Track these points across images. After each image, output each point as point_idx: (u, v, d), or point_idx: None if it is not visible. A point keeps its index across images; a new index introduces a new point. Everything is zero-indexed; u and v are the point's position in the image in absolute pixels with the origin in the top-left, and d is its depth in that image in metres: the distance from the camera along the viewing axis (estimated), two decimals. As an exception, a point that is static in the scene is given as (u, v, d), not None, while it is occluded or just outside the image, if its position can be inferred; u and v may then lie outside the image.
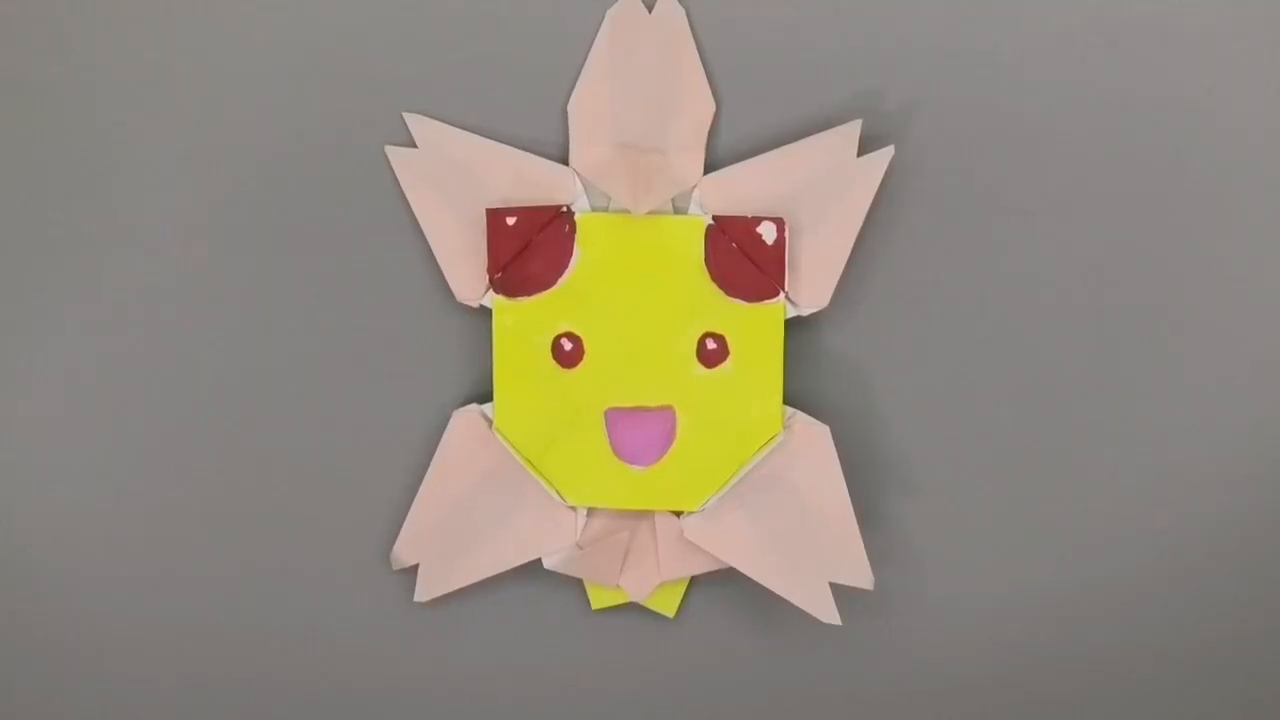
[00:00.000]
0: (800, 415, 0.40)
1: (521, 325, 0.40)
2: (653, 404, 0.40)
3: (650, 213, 0.39)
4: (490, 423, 0.40)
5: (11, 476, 0.43)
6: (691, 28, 0.38)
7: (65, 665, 0.45)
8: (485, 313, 0.40)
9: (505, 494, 0.41)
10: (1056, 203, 0.40)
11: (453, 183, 0.40)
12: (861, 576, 0.40)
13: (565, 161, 0.39)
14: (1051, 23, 0.39)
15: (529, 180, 0.39)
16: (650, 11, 0.38)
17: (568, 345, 0.40)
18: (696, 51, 0.38)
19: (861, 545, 0.40)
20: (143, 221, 0.42)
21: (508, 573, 0.41)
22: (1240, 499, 0.42)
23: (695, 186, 0.39)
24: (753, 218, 0.38)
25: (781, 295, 0.39)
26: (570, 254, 0.39)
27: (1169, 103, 0.39)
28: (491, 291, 0.39)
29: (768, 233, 0.38)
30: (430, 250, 0.40)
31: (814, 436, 0.40)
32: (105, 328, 0.42)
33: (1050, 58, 0.39)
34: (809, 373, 0.41)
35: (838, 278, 0.39)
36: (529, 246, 0.39)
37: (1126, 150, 0.39)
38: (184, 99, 0.41)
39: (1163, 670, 0.43)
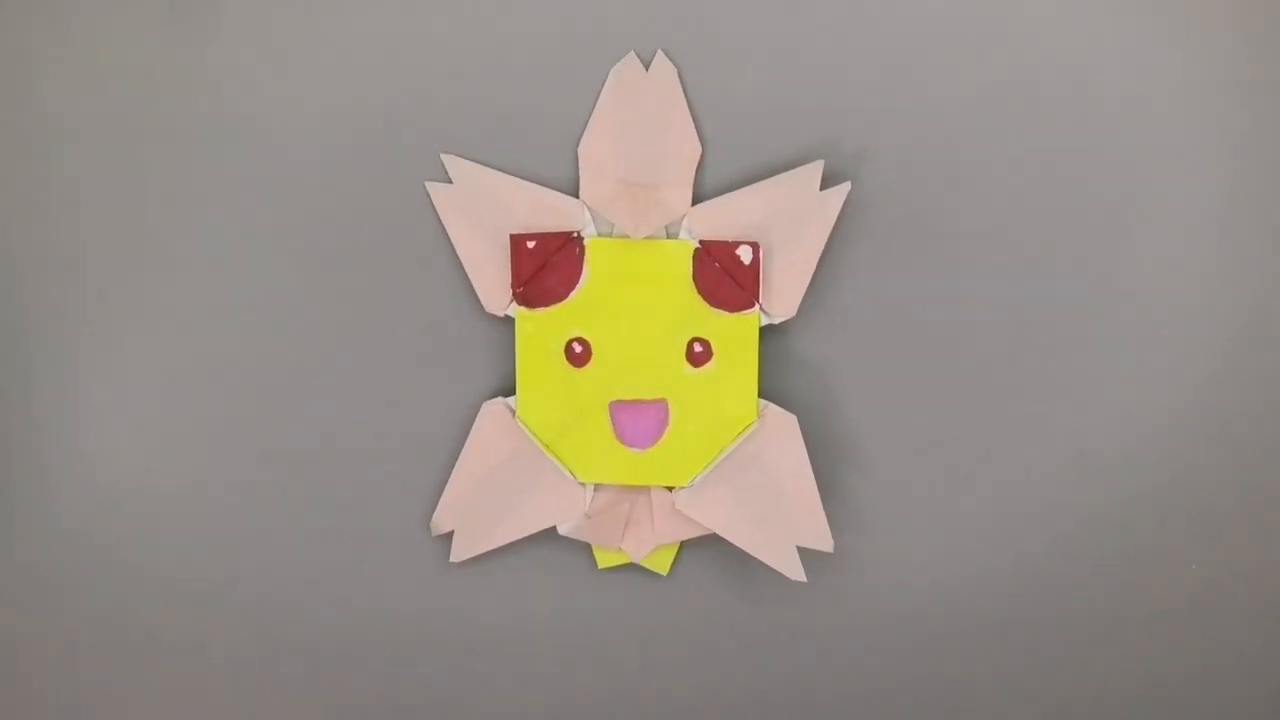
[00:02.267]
0: (772, 406, 0.42)
1: (539, 331, 0.42)
2: (649, 397, 0.42)
3: (647, 237, 0.41)
4: (513, 413, 0.43)
5: (119, 456, 0.46)
6: (682, 83, 0.41)
7: (160, 606, 0.46)
8: (509, 321, 0.42)
9: (526, 472, 0.43)
10: (983, 229, 0.43)
11: (482, 212, 0.42)
12: (823, 541, 0.43)
13: (576, 194, 0.42)
14: (978, 82, 0.42)
15: (546, 210, 0.42)
16: (647, 70, 0.41)
17: (578, 348, 0.42)
18: (686, 103, 0.41)
19: (823, 515, 0.43)
20: (236, 243, 0.44)
21: (527, 538, 0.44)
22: (1140, 476, 0.45)
23: (684, 216, 0.41)
24: (732, 242, 0.41)
25: (757, 306, 0.41)
26: (580, 272, 0.41)
27: (1075, 149, 0.42)
28: (514, 303, 0.42)
29: (745, 254, 0.41)
30: (463, 269, 0.42)
31: (784, 424, 0.42)
32: (199, 333, 0.45)
33: (978, 111, 0.42)
34: (779, 371, 0.43)
35: (804, 291, 0.41)
36: (546, 266, 0.41)
37: (1040, 187, 0.42)
38: (267, 146, 0.43)
39: (1074, 613, 0.46)
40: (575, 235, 0.41)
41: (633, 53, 0.41)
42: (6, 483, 0.46)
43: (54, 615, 0.46)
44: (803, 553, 0.43)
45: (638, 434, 0.42)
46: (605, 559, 0.45)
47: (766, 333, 0.42)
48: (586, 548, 0.45)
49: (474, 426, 0.43)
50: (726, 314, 0.41)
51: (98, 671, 0.47)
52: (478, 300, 0.42)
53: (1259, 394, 0.44)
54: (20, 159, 0.43)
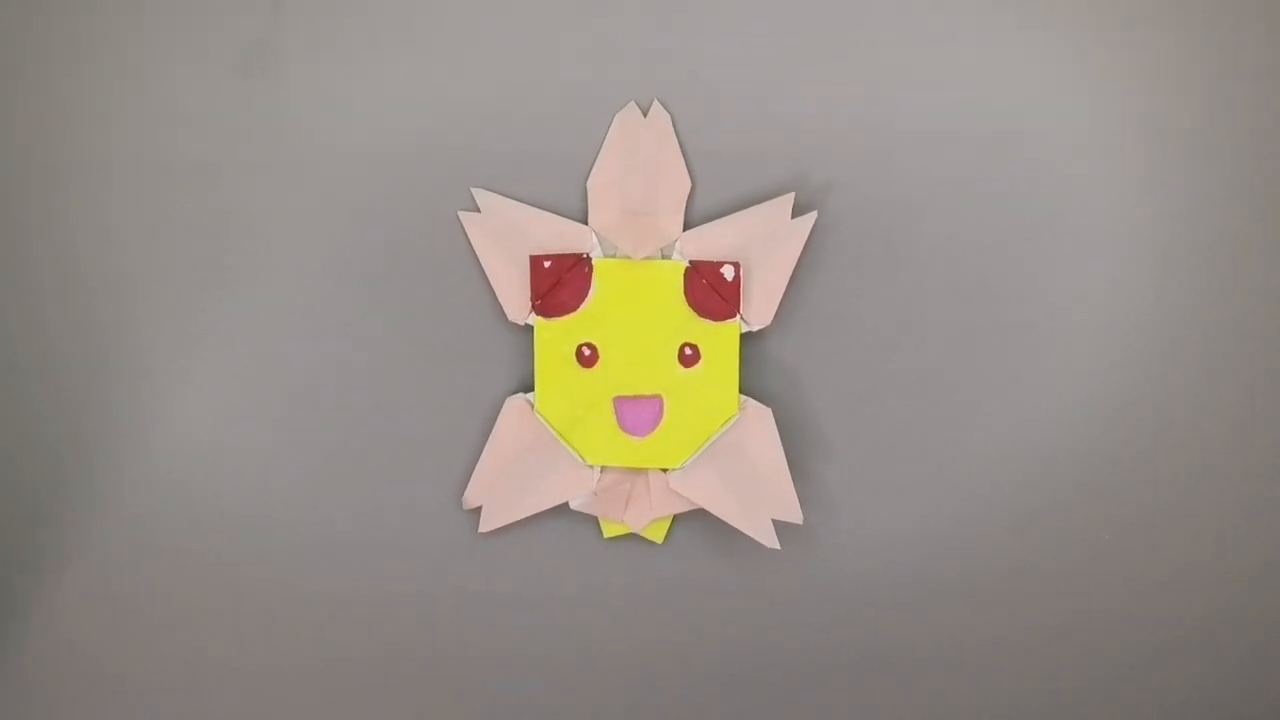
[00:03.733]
0: (750, 401, 0.43)
1: (554, 338, 0.43)
2: (647, 393, 0.43)
3: (645, 258, 0.42)
4: (532, 406, 0.43)
5: (203, 444, 0.46)
6: (675, 128, 0.42)
7: (235, 573, 0.47)
8: (529, 329, 0.43)
9: (543, 456, 0.44)
10: (929, 251, 0.44)
11: (506, 237, 0.43)
12: (794, 514, 0.43)
13: (585, 222, 0.43)
14: (925, 129, 0.43)
15: (560, 235, 0.42)
16: (645, 117, 0.42)
17: (587, 351, 0.43)
18: (678, 144, 0.42)
19: (794, 492, 0.43)
20: (299, 262, 0.44)
21: (544, 511, 0.44)
22: (1060, 460, 0.45)
23: (677, 240, 0.42)
24: (717, 262, 0.42)
25: (738, 316, 0.42)
26: (589, 287, 0.42)
27: (1005, 183, 0.43)
28: (533, 314, 0.43)
29: (728, 273, 0.42)
30: (490, 285, 0.43)
31: (760, 415, 0.43)
32: (270, 340, 0.45)
33: (925, 152, 0.43)
34: (757, 371, 0.44)
35: (778, 304, 0.42)
36: (560, 282, 0.42)
37: (977, 214, 0.43)
38: (323, 181, 0.44)
39: (1003, 577, 0.46)
40: (585, 256, 0.42)
41: (633, 102, 0.42)
42: (117, 459, 0.46)
43: (149, 566, 0.47)
44: (777, 524, 0.43)
45: (637, 424, 0.43)
46: (610, 529, 0.45)
47: (746, 339, 0.43)
48: (594, 520, 0.45)
49: (499, 418, 0.44)
50: (712, 323, 0.42)
51: (180, 611, 0.47)
52: (502, 311, 0.43)
53: (1164, 391, 0.45)
54: (114, 191, 0.44)
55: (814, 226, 0.42)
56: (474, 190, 0.43)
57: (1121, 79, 0.42)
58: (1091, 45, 0.42)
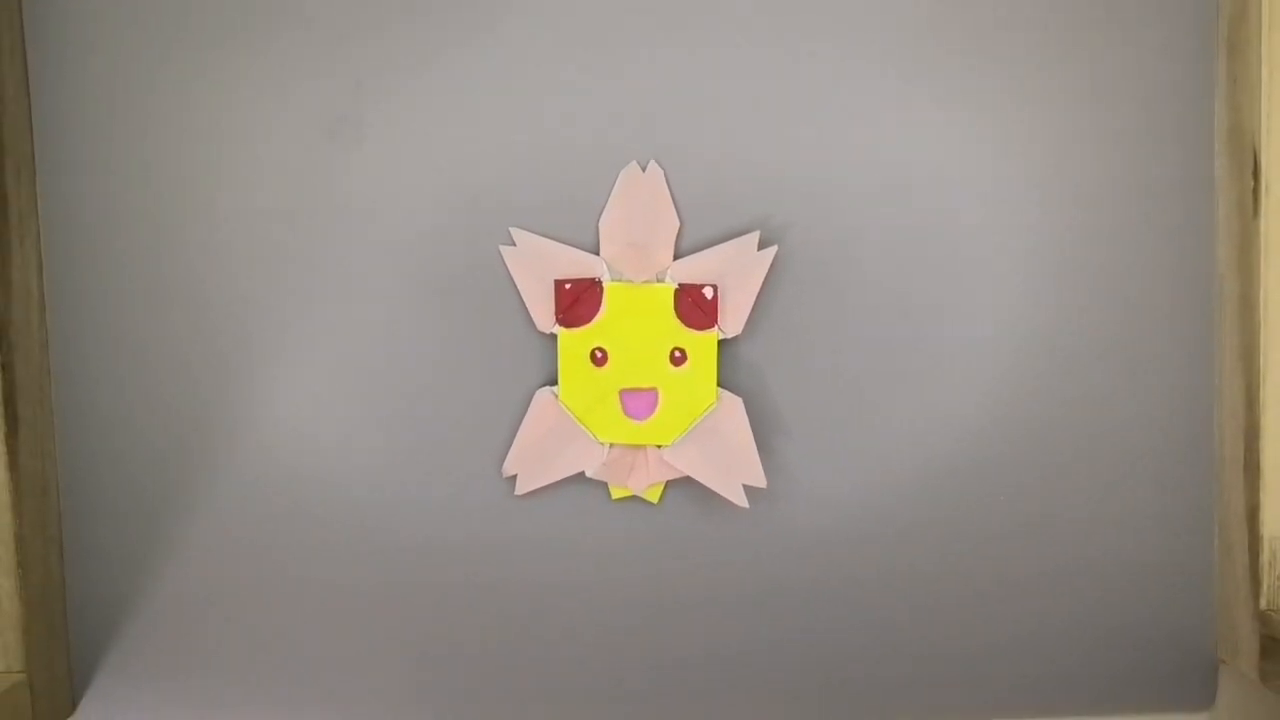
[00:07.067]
0: (725, 392, 0.48)
1: (574, 343, 0.47)
2: (645, 386, 0.47)
3: (644, 282, 0.47)
4: (557, 396, 0.48)
5: (304, 424, 0.49)
6: (667, 181, 0.47)
7: (327, 516, 0.49)
8: (554, 337, 0.48)
9: (565, 435, 0.48)
10: (864, 277, 0.48)
11: (536, 265, 0.47)
12: (759, 480, 0.48)
13: (597, 253, 0.47)
14: (861, 184, 0.48)
15: (577, 264, 0.47)
16: (644, 172, 0.47)
17: (599, 354, 0.47)
18: (669, 194, 0.47)
19: (759, 463, 0.48)
20: (374, 286, 0.48)
21: (566, 478, 0.49)
22: (962, 442, 0.49)
23: (668, 268, 0.47)
24: (700, 284, 0.47)
25: (716, 327, 0.47)
26: (600, 304, 0.47)
27: (922, 228, 0.48)
28: (557, 325, 0.47)
29: (708, 293, 0.46)
30: (524, 303, 0.47)
31: (733, 403, 0.48)
32: (354, 344, 0.48)
33: (862, 201, 0.48)
34: (731, 369, 0.49)
35: (746, 317, 0.47)
36: (578, 300, 0.47)
37: (899, 251, 0.48)
38: (394, 221, 0.47)
39: (917, 529, 0.50)
40: (597, 280, 0.47)
41: (634, 161, 0.47)
42: (216, 447, 0.49)
43: (258, 520, 0.50)
44: (746, 488, 0.48)
45: (638, 410, 0.47)
46: (617, 492, 0.49)
47: (722, 344, 0.48)
48: (604, 485, 0.50)
49: (531, 405, 0.48)
50: (696, 332, 0.47)
51: (283, 555, 0.50)
52: (533, 323, 0.48)
53: (1044, 387, 0.50)
54: (231, 229, 0.48)
55: (774, 258, 0.47)
56: (511, 229, 0.48)
57: (1018, 144, 0.48)
58: (993, 120, 0.47)
